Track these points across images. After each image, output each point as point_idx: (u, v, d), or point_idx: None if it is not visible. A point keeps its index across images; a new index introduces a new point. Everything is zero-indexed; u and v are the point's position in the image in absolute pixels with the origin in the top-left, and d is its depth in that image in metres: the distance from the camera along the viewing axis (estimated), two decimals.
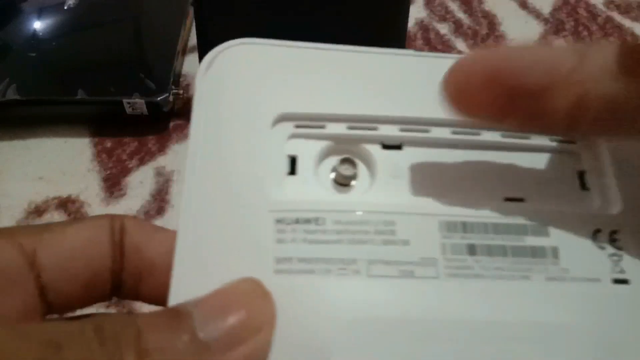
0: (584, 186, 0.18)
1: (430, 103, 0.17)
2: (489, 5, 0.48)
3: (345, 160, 0.18)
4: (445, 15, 0.48)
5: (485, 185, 0.18)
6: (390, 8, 0.36)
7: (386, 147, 0.18)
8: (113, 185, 0.37)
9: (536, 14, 0.48)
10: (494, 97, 0.16)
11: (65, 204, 0.36)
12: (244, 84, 0.18)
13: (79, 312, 0.19)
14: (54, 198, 0.36)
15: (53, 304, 0.18)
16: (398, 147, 0.18)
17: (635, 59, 0.15)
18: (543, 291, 0.16)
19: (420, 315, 0.15)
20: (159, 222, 0.35)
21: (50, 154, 0.38)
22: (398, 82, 0.18)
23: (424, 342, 0.15)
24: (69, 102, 0.39)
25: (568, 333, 0.15)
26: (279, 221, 0.16)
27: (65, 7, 0.42)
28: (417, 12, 0.48)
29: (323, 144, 0.18)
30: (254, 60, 0.18)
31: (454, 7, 0.48)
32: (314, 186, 0.17)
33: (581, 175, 0.18)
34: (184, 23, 0.43)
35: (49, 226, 0.19)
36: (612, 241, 0.17)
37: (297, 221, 0.16)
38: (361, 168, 0.18)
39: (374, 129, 0.18)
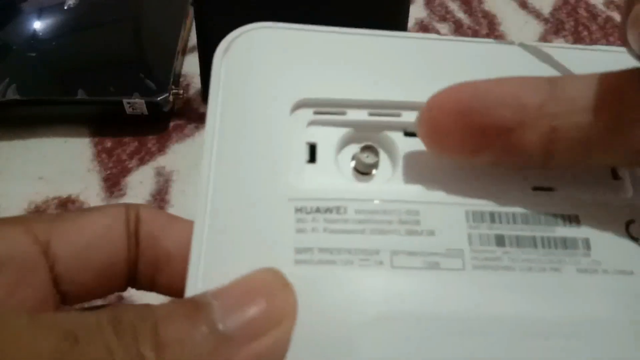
0: (615, 175, 0.17)
1: None
2: (489, 5, 0.48)
3: (367, 148, 0.17)
4: (445, 15, 0.48)
5: (513, 173, 0.17)
6: (390, 8, 0.36)
7: (408, 134, 0.17)
8: (113, 185, 0.37)
9: (536, 14, 0.48)
10: (466, 135, 0.15)
11: (65, 204, 0.36)
12: (262, 68, 0.17)
13: (93, 303, 0.19)
14: (54, 198, 0.36)
15: (67, 294, 0.18)
16: None
17: (604, 90, 0.15)
18: (574, 284, 0.15)
19: (447, 308, 0.15)
20: None
21: (50, 154, 0.38)
22: (422, 67, 0.18)
23: (451, 337, 0.15)
24: (69, 102, 0.38)
25: (600, 327, 0.15)
26: (298, 210, 0.16)
27: (65, 7, 0.42)
28: (417, 12, 0.47)
29: (343, 131, 0.17)
30: (272, 44, 0.18)
31: (454, 7, 0.48)
32: (334, 175, 0.17)
33: None
34: (184, 23, 0.43)
35: (63, 215, 0.19)
36: None
37: (317, 210, 0.16)
38: (382, 156, 0.17)
39: (397, 115, 0.17)
